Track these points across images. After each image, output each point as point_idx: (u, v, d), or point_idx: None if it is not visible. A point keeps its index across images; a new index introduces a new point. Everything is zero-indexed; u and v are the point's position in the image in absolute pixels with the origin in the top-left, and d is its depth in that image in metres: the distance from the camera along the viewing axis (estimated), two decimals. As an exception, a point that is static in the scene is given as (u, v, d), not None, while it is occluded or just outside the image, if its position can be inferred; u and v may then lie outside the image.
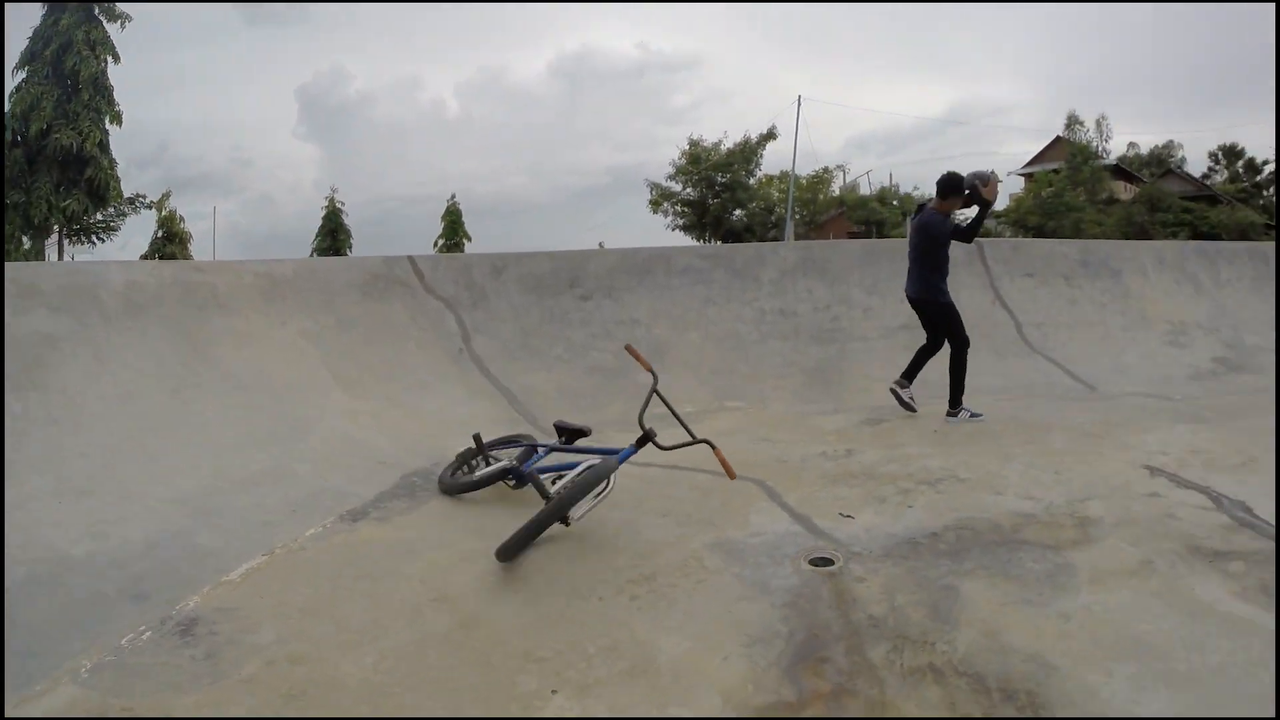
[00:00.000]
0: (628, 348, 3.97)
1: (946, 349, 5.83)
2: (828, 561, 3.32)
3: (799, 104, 45.75)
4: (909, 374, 5.97)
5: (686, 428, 3.76)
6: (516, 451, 4.32)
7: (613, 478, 3.61)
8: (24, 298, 4.28)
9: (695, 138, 35.69)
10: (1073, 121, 36.28)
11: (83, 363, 4.13)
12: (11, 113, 24.80)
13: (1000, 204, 32.69)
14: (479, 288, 7.23)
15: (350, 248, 35.90)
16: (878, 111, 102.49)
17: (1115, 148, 38.57)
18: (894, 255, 8.05)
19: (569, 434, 4.32)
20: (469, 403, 5.95)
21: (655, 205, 36.50)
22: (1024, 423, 5.43)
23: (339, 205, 36.55)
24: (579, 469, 3.66)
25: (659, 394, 3.77)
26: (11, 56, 25.32)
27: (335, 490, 4.10)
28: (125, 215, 28.91)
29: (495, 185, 74.25)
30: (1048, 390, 6.86)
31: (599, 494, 3.57)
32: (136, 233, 62.23)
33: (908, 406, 5.88)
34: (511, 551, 3.32)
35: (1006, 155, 74.28)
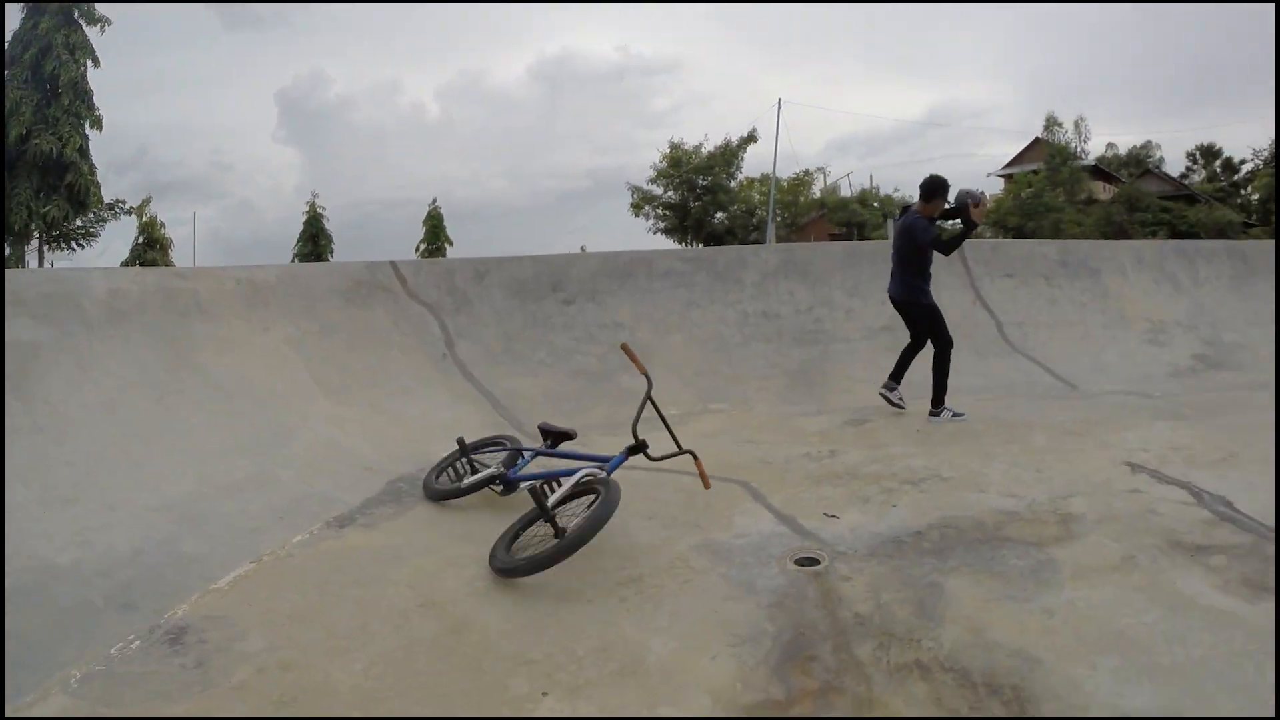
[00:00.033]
0: (623, 347, 3.83)
1: (929, 348, 5.90)
2: (813, 561, 3.35)
3: (779, 107, 45.66)
4: (896, 375, 6.05)
5: (675, 439, 3.71)
6: (501, 455, 4.31)
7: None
8: (6, 306, 4.24)
9: (676, 141, 35.95)
10: (1051, 123, 36.77)
11: (66, 371, 4.10)
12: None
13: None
14: (461, 293, 7.22)
15: (331, 253, 35.77)
16: (858, 114, 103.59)
17: (1094, 148, 39.24)
18: (875, 257, 8.12)
19: (554, 436, 4.30)
20: (453, 407, 5.93)
21: (636, 208, 36.63)
22: (1006, 422, 5.50)
23: (320, 210, 36.43)
24: (575, 477, 3.61)
25: (653, 401, 3.70)
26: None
27: (321, 496, 4.08)
28: (105, 221, 28.61)
29: (476, 189, 74.28)
30: (1029, 389, 6.93)
31: (591, 505, 3.46)
32: (116, 238, 61.87)
33: (897, 406, 5.97)
34: (512, 575, 3.23)
35: (986, 157, 75.12)
